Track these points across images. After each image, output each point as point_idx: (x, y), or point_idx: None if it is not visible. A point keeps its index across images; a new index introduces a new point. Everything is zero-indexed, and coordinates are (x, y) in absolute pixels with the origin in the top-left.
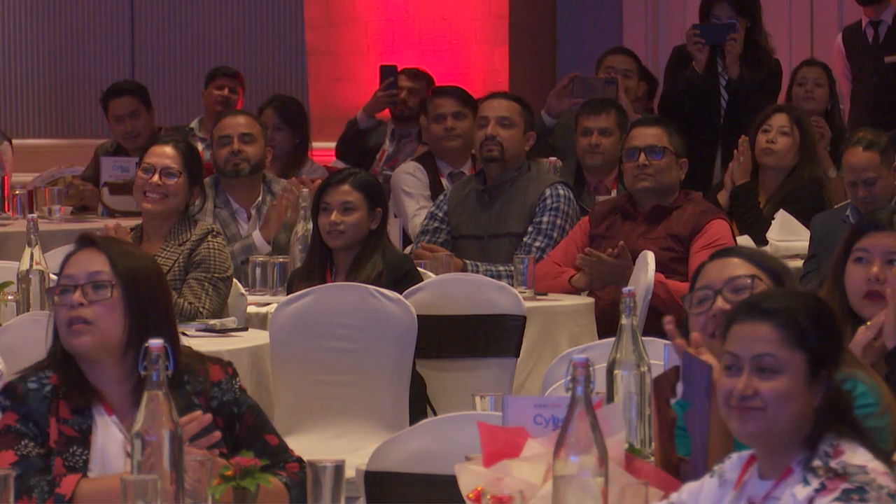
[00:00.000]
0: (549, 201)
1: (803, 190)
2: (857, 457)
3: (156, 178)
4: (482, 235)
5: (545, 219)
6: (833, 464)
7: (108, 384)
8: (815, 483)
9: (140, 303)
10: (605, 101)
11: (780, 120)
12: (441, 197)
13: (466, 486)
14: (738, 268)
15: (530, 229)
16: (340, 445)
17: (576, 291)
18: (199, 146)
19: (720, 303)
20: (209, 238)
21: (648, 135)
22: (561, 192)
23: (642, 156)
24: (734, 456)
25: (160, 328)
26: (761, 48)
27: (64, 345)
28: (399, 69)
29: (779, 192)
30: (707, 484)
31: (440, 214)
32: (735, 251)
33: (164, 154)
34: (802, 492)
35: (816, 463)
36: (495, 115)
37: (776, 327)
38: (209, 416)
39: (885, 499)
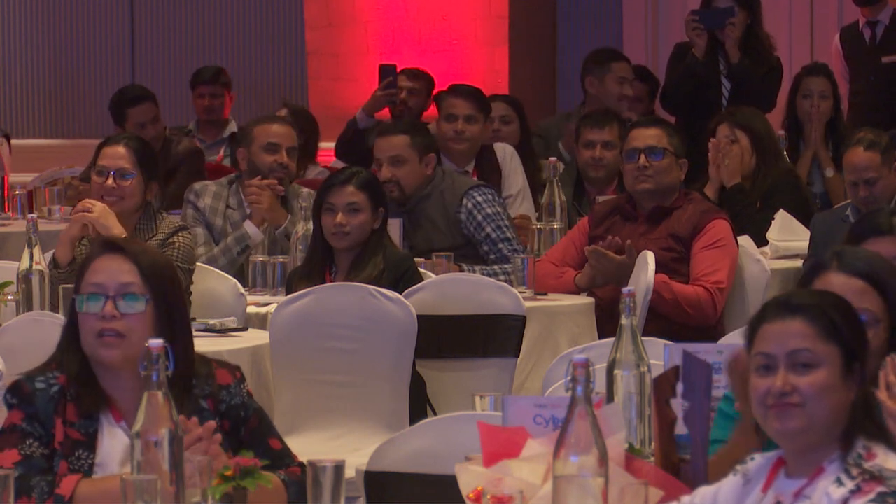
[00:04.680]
0: (475, 213)
1: (779, 185)
2: (892, 461)
3: (110, 181)
4: (419, 255)
5: (489, 230)
6: (867, 466)
7: (122, 391)
8: (849, 484)
9: (169, 313)
10: (607, 114)
11: (723, 131)
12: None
13: (466, 486)
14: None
15: (486, 248)
16: (340, 445)
17: (578, 291)
18: (199, 146)
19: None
20: (181, 233)
21: (648, 136)
22: (479, 199)
23: (642, 157)
24: (758, 457)
25: (184, 334)
26: (762, 43)
27: (88, 352)
28: (399, 69)
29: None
30: (728, 482)
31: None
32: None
33: (117, 154)
34: (837, 492)
35: (850, 463)
36: (386, 155)
37: (809, 322)
38: (212, 424)
39: None
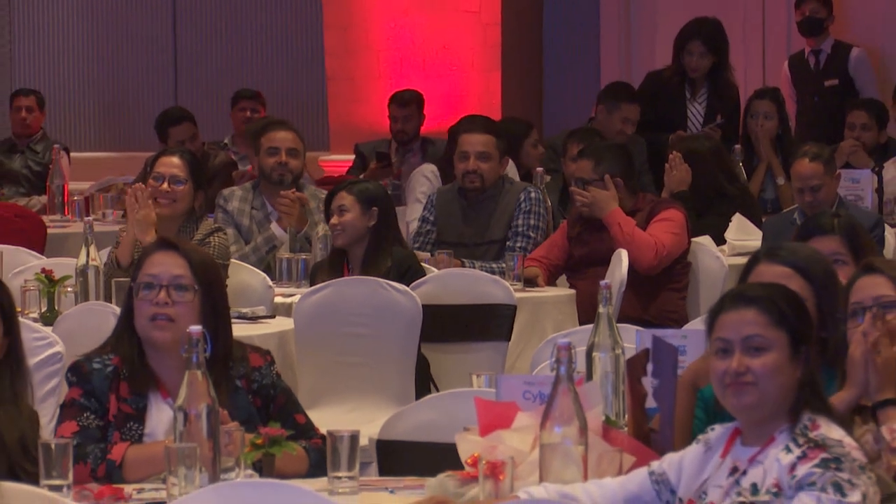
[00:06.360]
0: (522, 205)
1: (718, 202)
2: (834, 431)
3: (165, 185)
4: (468, 244)
5: (520, 221)
6: (812, 435)
7: (168, 370)
8: (796, 451)
9: (213, 303)
10: (591, 131)
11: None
12: (428, 205)
13: (465, 452)
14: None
15: (510, 234)
16: (355, 418)
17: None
18: (233, 158)
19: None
20: (217, 234)
21: (577, 168)
22: (532, 195)
23: (574, 189)
24: (718, 427)
25: (224, 322)
26: (727, 82)
27: (142, 334)
28: (394, 93)
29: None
30: (692, 450)
31: (431, 218)
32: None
33: (172, 164)
34: (786, 458)
35: (797, 433)
36: (475, 150)
37: (761, 311)
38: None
39: (857, 470)
